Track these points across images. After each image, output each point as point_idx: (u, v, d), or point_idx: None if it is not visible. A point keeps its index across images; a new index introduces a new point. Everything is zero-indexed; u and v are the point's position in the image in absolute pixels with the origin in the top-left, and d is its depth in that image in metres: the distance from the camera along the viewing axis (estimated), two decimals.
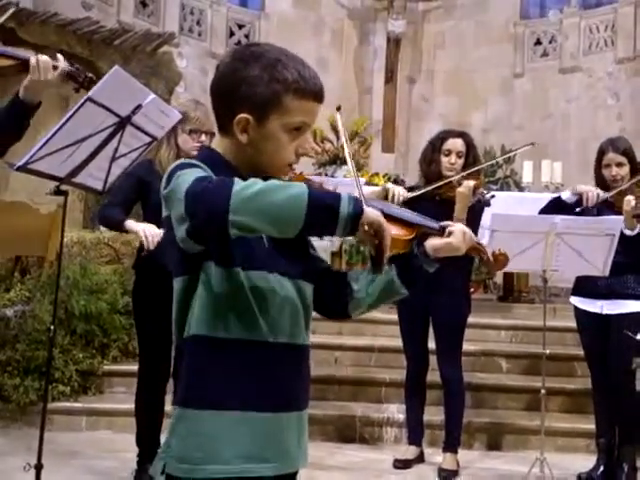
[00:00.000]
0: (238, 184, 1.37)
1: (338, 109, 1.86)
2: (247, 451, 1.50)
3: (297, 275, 1.61)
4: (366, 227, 1.44)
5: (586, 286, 4.08)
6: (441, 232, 1.72)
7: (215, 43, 11.29)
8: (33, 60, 2.62)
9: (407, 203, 3.94)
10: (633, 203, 3.86)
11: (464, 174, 4.08)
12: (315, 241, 1.71)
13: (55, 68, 2.66)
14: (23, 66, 2.67)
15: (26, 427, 4.67)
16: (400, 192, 4.04)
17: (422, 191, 4.07)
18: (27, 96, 2.64)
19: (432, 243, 1.70)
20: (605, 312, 4.04)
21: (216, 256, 1.49)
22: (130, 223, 3.61)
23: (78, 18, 8.20)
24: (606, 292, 4.02)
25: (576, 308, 4.20)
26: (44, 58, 2.64)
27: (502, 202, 4.56)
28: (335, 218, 1.39)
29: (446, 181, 4.06)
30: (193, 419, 1.50)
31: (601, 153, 4.11)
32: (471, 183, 3.94)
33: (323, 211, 1.39)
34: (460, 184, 3.99)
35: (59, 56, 2.73)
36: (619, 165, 4.03)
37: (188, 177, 1.42)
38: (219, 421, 1.49)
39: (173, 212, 1.43)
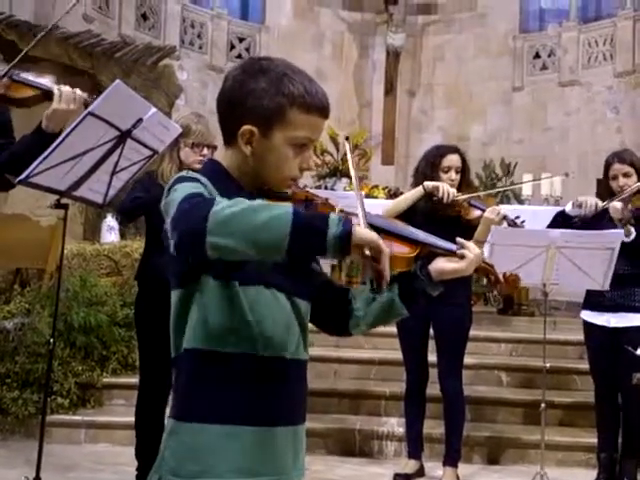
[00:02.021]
0: (219, 204, 1.36)
1: (347, 138, 1.83)
2: (240, 465, 1.50)
3: (293, 291, 1.60)
4: (366, 250, 1.38)
5: (594, 299, 4.07)
6: (450, 253, 1.63)
7: (216, 56, 11.33)
8: (57, 90, 2.67)
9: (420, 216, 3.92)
10: (619, 207, 3.87)
11: (472, 196, 4.08)
12: None
13: (76, 98, 2.71)
14: (45, 96, 2.72)
15: (25, 440, 4.66)
16: (451, 191, 3.97)
17: (470, 195, 4.03)
18: (49, 126, 2.71)
19: (438, 267, 1.62)
20: (612, 325, 4.03)
21: (214, 269, 1.48)
22: None
23: (79, 31, 8.23)
24: (613, 305, 4.01)
25: (585, 322, 4.19)
26: (67, 88, 2.70)
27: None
28: (323, 240, 1.35)
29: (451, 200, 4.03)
30: (186, 432, 1.50)
31: (607, 165, 4.09)
32: (502, 211, 3.93)
33: (309, 233, 1.35)
34: (471, 205, 4.00)
35: (77, 90, 2.78)
36: (626, 175, 4.00)
37: (181, 193, 1.44)
38: (212, 434, 1.49)
39: (166, 225, 1.44)
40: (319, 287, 1.69)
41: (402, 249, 1.61)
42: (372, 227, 1.61)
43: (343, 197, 5.64)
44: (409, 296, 1.65)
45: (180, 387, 1.54)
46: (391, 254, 1.56)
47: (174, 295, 1.55)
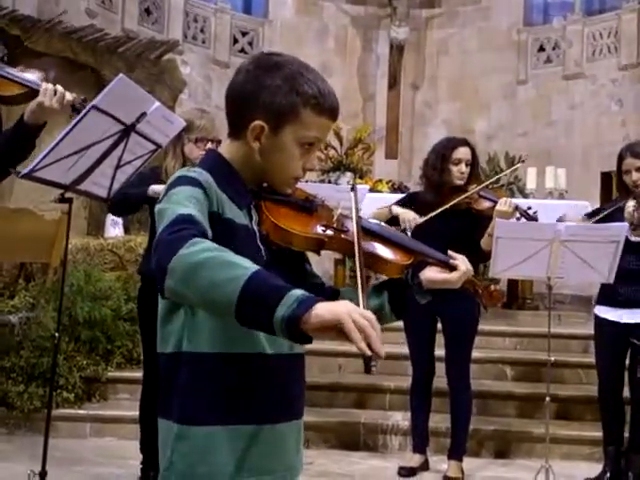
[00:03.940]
0: (191, 245, 1.29)
1: (352, 188, 1.71)
2: (252, 464, 1.50)
3: (293, 287, 1.60)
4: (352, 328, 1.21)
5: (609, 294, 4.06)
6: (442, 263, 1.66)
7: (219, 50, 11.30)
8: (44, 86, 2.61)
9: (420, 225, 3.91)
10: (631, 209, 3.85)
11: (482, 186, 4.07)
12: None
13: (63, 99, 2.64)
14: (32, 95, 2.63)
15: (30, 434, 4.68)
16: (411, 218, 3.94)
17: (436, 212, 3.96)
18: (31, 119, 2.64)
19: (429, 276, 1.65)
20: (624, 321, 4.01)
21: None
22: (155, 185, 3.51)
23: (83, 26, 8.22)
24: (626, 301, 3.99)
25: (596, 316, 4.17)
26: (59, 88, 2.63)
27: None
28: (270, 318, 1.22)
29: (464, 196, 4.00)
30: (197, 436, 1.48)
31: (620, 159, 4.05)
32: (514, 202, 3.91)
33: (256, 306, 1.23)
34: (481, 196, 3.99)
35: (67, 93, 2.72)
36: (639, 170, 3.97)
37: (173, 207, 1.40)
38: (224, 436, 1.48)
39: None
40: (311, 287, 1.68)
41: (398, 257, 1.63)
42: (368, 233, 1.64)
43: (342, 191, 5.63)
44: (399, 304, 1.67)
45: (181, 389, 1.50)
46: (387, 260, 1.61)
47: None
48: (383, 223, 1.79)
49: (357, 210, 1.63)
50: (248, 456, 1.50)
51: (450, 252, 1.69)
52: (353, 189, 1.72)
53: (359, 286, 1.36)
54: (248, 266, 1.27)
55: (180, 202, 1.43)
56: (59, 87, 2.64)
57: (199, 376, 1.49)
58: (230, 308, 1.25)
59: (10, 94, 2.66)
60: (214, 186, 1.50)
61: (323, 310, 1.22)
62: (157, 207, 1.47)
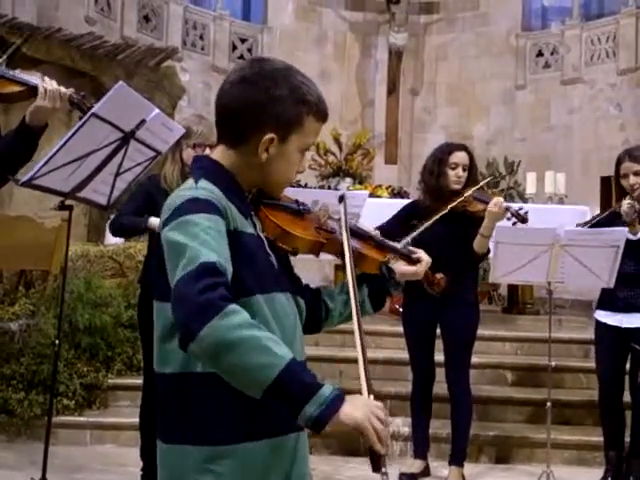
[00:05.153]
0: (226, 316, 1.29)
1: (341, 198, 1.74)
2: (287, 473, 1.52)
3: (295, 291, 1.63)
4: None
5: (608, 299, 4.05)
6: (408, 258, 1.82)
7: (218, 57, 11.33)
8: (41, 87, 2.62)
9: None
10: (626, 207, 3.85)
11: (476, 188, 4.07)
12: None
13: (62, 96, 2.65)
14: (30, 93, 2.66)
15: (30, 441, 4.66)
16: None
17: (420, 230, 3.90)
18: (33, 121, 2.65)
19: (401, 269, 1.80)
20: (624, 325, 4.00)
21: (234, 292, 1.38)
22: (153, 219, 3.53)
23: (81, 33, 8.23)
24: (625, 306, 3.98)
25: (597, 321, 4.16)
26: (52, 86, 2.64)
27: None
28: (297, 412, 1.30)
29: (458, 201, 4.00)
30: (235, 455, 1.46)
31: (618, 163, 4.06)
32: (504, 203, 3.91)
33: (286, 397, 1.30)
34: (476, 198, 3.99)
35: (61, 87, 2.73)
36: (637, 174, 3.96)
37: (195, 253, 1.35)
38: (260, 450, 1.48)
39: (168, 269, 1.40)
40: (300, 289, 1.72)
41: (375, 254, 1.78)
42: (351, 233, 1.73)
43: (331, 195, 5.66)
44: (378, 296, 1.78)
45: (202, 411, 1.46)
46: (367, 257, 1.75)
47: (164, 307, 1.45)
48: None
49: (346, 223, 1.69)
50: (285, 466, 1.51)
51: (410, 247, 1.86)
52: (342, 200, 1.75)
53: (361, 371, 1.44)
54: (281, 354, 1.31)
55: (199, 237, 1.38)
56: (54, 83, 2.65)
57: (223, 394, 1.44)
58: (257, 391, 1.30)
59: (9, 92, 2.69)
60: (225, 201, 1.48)
61: (346, 416, 1.31)
62: (169, 235, 1.42)
